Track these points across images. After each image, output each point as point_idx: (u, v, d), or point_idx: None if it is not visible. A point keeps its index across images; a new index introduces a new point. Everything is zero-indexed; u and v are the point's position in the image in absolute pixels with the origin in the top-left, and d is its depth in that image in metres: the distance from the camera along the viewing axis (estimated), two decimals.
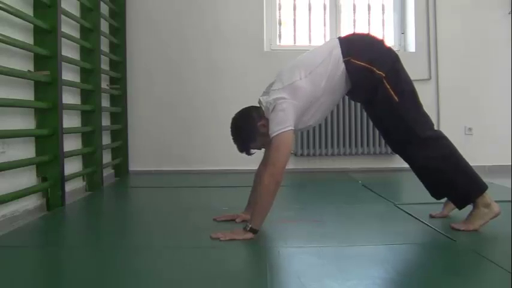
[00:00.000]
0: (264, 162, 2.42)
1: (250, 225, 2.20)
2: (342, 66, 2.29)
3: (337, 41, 2.37)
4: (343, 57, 2.29)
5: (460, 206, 2.39)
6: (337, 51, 2.31)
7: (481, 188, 2.31)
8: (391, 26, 5.16)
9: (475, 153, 4.89)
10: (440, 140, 2.38)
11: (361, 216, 2.78)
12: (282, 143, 2.21)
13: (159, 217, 2.82)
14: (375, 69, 2.28)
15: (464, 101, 4.97)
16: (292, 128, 2.23)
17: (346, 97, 4.77)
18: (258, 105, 2.39)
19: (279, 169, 2.20)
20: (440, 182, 2.39)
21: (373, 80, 2.29)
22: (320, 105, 2.34)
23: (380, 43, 2.43)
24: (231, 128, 2.38)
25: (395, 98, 2.29)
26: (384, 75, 2.28)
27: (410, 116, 2.33)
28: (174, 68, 4.83)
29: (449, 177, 2.34)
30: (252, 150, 2.39)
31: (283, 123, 2.21)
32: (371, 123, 4.81)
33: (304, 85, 2.28)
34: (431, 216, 2.57)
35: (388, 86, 2.29)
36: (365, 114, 4.80)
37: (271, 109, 2.25)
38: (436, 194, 2.46)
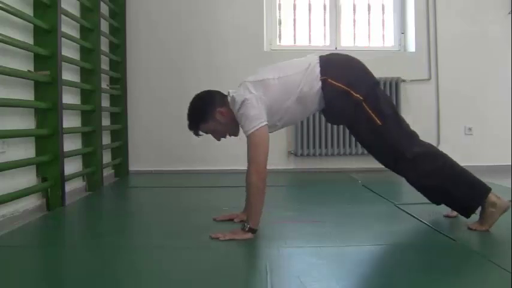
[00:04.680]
0: None
1: (248, 225, 2.20)
2: (319, 84, 2.28)
3: (317, 58, 2.36)
4: (321, 75, 2.29)
5: (467, 216, 2.35)
6: (316, 67, 2.30)
7: (483, 193, 2.28)
8: (391, 26, 5.16)
9: (475, 153, 4.92)
10: (429, 155, 2.35)
11: (361, 216, 2.78)
12: (260, 139, 2.21)
13: (159, 217, 2.83)
14: (352, 92, 2.26)
15: (464, 101, 4.97)
16: (267, 123, 2.24)
17: None
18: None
19: (262, 166, 2.21)
20: (440, 197, 2.39)
21: (350, 102, 2.27)
22: (289, 112, 2.34)
23: (360, 67, 2.41)
24: (191, 102, 2.41)
25: (378, 121, 2.28)
26: (361, 98, 2.27)
27: (394, 139, 2.31)
28: (174, 68, 4.83)
29: (447, 191, 2.31)
30: (201, 133, 2.40)
31: (256, 119, 2.21)
32: None
33: (274, 85, 2.29)
34: (446, 216, 2.55)
35: (369, 110, 2.28)
36: None
37: (240, 104, 2.24)
38: (438, 204, 2.47)
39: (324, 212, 2.89)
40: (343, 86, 2.27)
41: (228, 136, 2.47)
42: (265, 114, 2.25)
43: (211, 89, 2.45)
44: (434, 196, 2.42)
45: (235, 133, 2.45)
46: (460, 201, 2.33)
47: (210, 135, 2.49)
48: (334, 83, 2.27)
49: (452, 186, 2.30)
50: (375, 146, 2.38)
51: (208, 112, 2.36)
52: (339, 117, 2.44)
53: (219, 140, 2.46)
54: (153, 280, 1.72)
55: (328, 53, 2.49)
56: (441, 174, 2.31)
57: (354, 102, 2.27)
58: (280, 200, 3.40)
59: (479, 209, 2.31)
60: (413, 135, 2.38)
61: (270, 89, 2.28)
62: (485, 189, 2.29)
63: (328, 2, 5.08)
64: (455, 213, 2.52)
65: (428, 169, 2.31)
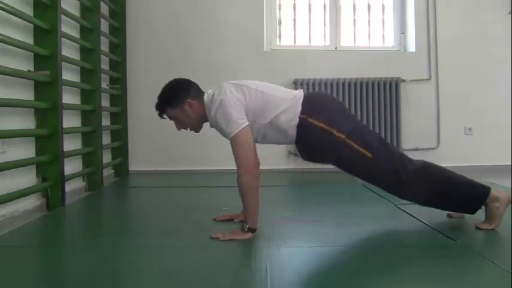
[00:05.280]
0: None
1: (247, 226, 2.20)
2: (297, 120, 2.27)
3: (302, 94, 2.35)
4: (301, 114, 2.28)
5: (473, 212, 2.35)
6: (299, 103, 2.29)
7: (484, 193, 2.28)
8: (391, 26, 5.16)
9: (475, 153, 4.92)
10: (424, 168, 2.32)
11: (361, 216, 2.77)
12: (245, 139, 2.21)
13: (159, 217, 2.83)
14: (334, 131, 2.25)
15: (464, 101, 4.97)
16: (248, 123, 2.23)
17: (346, 97, 4.80)
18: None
19: (253, 165, 2.21)
20: (445, 206, 2.39)
21: (333, 142, 2.25)
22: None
23: (342, 106, 2.41)
24: (166, 84, 2.41)
25: (368, 154, 2.26)
26: (344, 137, 2.25)
27: (388, 167, 2.28)
28: (174, 67, 4.82)
29: (450, 195, 2.31)
30: (165, 116, 2.39)
31: (238, 119, 2.21)
32: (371, 123, 4.81)
33: (256, 95, 2.28)
34: (449, 216, 2.54)
35: (356, 145, 2.25)
36: (365, 114, 4.80)
37: (219, 103, 2.23)
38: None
39: (324, 212, 2.89)
40: (324, 126, 2.25)
41: (188, 129, 2.44)
42: (244, 114, 2.24)
43: (211, 88, 2.44)
44: (441, 206, 2.40)
45: (196, 129, 2.43)
46: (464, 201, 2.33)
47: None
48: (315, 122, 2.26)
49: (453, 188, 2.31)
50: (372, 178, 2.35)
51: (179, 99, 2.34)
52: (319, 156, 2.40)
53: (179, 129, 2.44)
54: (153, 280, 1.72)
55: (311, 90, 2.50)
56: (440, 182, 2.31)
57: (337, 141, 2.25)
58: (280, 200, 3.40)
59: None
60: (403, 157, 2.35)
61: (250, 97, 2.27)
62: (485, 188, 2.30)
63: (328, 2, 5.08)
64: (459, 214, 2.51)
65: (426, 181, 2.30)
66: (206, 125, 2.43)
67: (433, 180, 2.31)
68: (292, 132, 2.30)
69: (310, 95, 2.39)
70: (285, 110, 2.28)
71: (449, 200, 2.35)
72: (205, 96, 2.36)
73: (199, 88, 2.42)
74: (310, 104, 2.30)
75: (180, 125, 2.41)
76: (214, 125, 2.32)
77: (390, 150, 2.35)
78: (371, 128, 4.82)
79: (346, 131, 2.26)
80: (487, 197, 2.27)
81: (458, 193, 2.31)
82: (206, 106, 2.33)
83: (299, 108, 2.28)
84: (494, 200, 2.27)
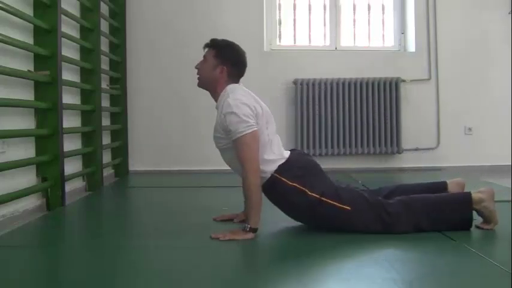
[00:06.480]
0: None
1: (249, 225, 2.20)
2: (268, 175, 2.29)
3: (287, 155, 2.36)
4: (275, 171, 2.29)
5: (469, 227, 2.29)
6: (279, 163, 2.30)
7: (467, 199, 2.26)
8: (391, 26, 5.16)
9: (475, 153, 4.92)
10: (404, 205, 2.27)
11: None
12: (252, 140, 2.23)
13: (159, 217, 2.82)
14: (307, 191, 2.24)
15: (464, 101, 4.97)
16: (257, 128, 2.25)
17: (346, 97, 4.80)
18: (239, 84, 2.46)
19: (256, 164, 2.22)
20: (439, 226, 2.29)
21: (306, 201, 2.24)
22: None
23: (317, 169, 2.39)
24: (235, 44, 2.56)
25: (346, 207, 2.24)
26: (318, 196, 2.23)
27: (370, 216, 2.25)
28: (174, 68, 4.82)
29: (440, 217, 2.26)
30: (206, 50, 2.53)
31: (251, 123, 2.23)
32: (371, 123, 4.81)
33: (261, 124, 2.30)
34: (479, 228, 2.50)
35: (332, 202, 2.24)
36: (365, 114, 4.80)
37: (235, 99, 2.27)
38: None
39: None
40: (297, 185, 2.26)
41: (197, 77, 2.56)
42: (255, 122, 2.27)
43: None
44: (434, 229, 2.31)
45: (200, 82, 2.53)
46: (454, 218, 2.28)
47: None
48: (288, 181, 2.26)
49: (439, 210, 2.27)
50: (359, 227, 2.28)
51: (224, 58, 2.44)
52: (293, 215, 2.40)
53: (196, 67, 2.57)
54: (153, 280, 1.72)
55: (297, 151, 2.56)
56: (424, 212, 2.27)
57: (312, 201, 2.24)
58: None
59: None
60: (380, 201, 2.30)
61: (262, 124, 2.30)
62: (466, 195, 2.28)
63: (328, 2, 5.08)
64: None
65: (412, 216, 2.25)
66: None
67: (417, 212, 2.27)
68: (263, 184, 2.30)
69: (290, 157, 2.37)
70: (269, 160, 2.30)
71: (442, 223, 2.28)
72: (233, 85, 2.41)
73: (240, 76, 2.48)
74: (287, 163, 2.32)
75: (201, 67, 2.51)
76: (219, 117, 2.33)
77: (367, 199, 2.30)
78: (369, 127, 4.84)
79: (320, 191, 2.25)
80: (472, 203, 2.25)
81: (447, 213, 2.26)
82: (225, 90, 2.38)
83: (275, 168, 2.30)
84: (479, 201, 2.25)
